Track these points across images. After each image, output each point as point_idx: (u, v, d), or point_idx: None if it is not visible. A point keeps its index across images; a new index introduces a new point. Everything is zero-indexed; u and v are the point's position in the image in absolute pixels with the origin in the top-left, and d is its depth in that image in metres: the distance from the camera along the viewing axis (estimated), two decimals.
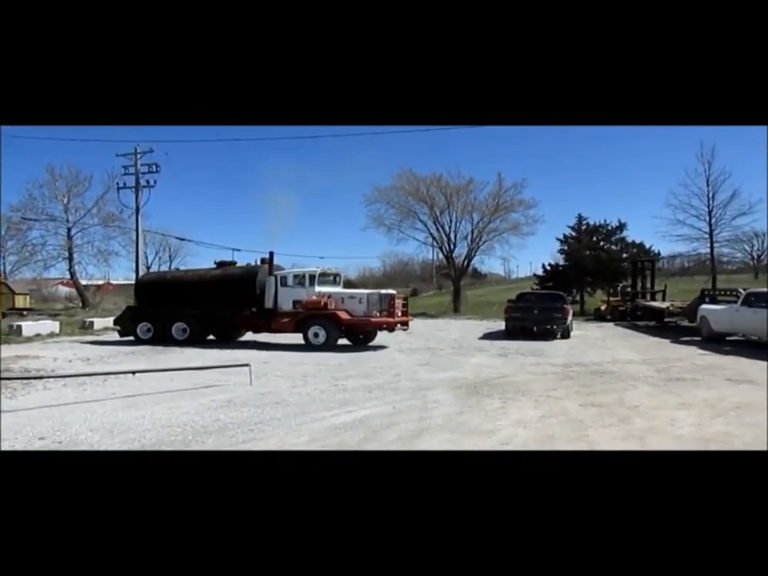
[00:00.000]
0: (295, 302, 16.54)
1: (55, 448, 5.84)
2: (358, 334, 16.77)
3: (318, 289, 16.51)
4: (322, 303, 15.98)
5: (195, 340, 17.18)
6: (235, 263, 19.72)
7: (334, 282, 17.88)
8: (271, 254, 17.45)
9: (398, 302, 16.69)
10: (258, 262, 18.80)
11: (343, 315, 15.91)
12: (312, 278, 16.78)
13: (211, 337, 18.45)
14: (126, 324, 18.60)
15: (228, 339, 18.35)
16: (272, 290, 16.93)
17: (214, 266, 19.23)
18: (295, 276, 17.15)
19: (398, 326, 16.66)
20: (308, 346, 15.75)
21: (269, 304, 16.93)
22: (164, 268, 59.94)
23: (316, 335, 15.87)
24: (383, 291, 17.44)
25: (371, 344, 16.80)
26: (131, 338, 18.13)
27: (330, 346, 15.61)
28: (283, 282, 16.99)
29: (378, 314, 15.91)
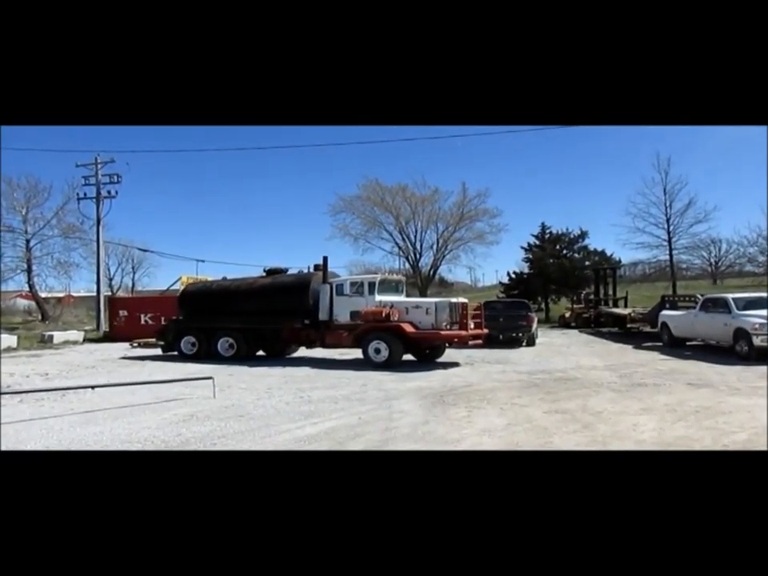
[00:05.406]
0: (353, 314, 14.72)
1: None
2: (424, 350, 14.95)
3: (378, 298, 14.67)
4: (384, 314, 14.02)
5: (243, 357, 15.61)
6: (286, 270, 17.66)
7: (396, 291, 15.82)
8: (325, 259, 15.36)
9: (471, 312, 14.58)
10: (307, 271, 17.04)
11: (408, 328, 13.88)
12: (372, 285, 14.97)
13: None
14: (169, 338, 17.14)
15: (278, 355, 16.64)
16: (327, 299, 15.08)
17: (263, 273, 17.54)
18: (353, 284, 15.29)
19: (472, 339, 14.61)
20: (368, 364, 13.79)
21: (323, 315, 15.06)
22: (127, 279, 59.06)
23: (377, 351, 13.89)
24: (453, 300, 15.03)
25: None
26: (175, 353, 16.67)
27: (392, 364, 13.61)
28: (339, 290, 15.16)
29: (448, 327, 13.93)
